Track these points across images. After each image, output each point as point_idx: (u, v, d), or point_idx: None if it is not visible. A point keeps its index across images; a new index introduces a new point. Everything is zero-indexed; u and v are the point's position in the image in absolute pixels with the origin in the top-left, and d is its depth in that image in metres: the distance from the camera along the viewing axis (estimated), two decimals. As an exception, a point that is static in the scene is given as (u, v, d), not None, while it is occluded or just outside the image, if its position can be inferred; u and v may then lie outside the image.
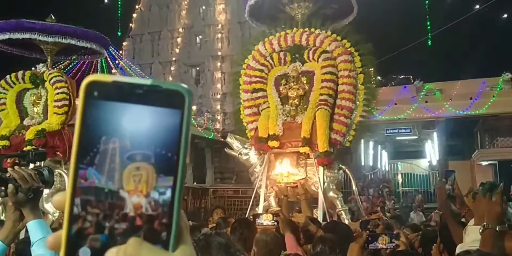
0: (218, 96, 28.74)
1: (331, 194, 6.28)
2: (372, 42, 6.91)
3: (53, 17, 6.50)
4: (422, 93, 21.08)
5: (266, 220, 3.12)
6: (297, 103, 6.62)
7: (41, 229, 2.02)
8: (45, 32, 6.20)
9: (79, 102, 0.48)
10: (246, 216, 5.31)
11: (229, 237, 2.33)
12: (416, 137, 25.73)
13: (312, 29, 6.80)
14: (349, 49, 6.63)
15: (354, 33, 6.89)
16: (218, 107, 28.53)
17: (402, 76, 25.12)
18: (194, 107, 25.28)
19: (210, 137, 24.75)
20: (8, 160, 6.01)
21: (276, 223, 3.25)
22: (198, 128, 23.78)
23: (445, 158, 21.06)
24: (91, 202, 0.48)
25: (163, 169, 0.48)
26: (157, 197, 0.48)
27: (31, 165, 2.41)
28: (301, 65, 6.77)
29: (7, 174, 2.01)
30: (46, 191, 6.04)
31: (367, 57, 6.75)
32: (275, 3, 7.18)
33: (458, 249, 2.38)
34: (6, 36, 6.23)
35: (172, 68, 29.83)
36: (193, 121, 23.56)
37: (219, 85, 28.89)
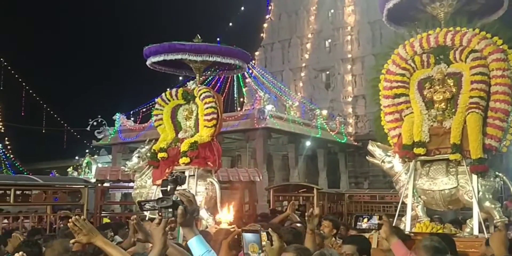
0: (349, 99, 28.31)
1: (487, 204, 5.78)
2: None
3: (199, 37, 6.97)
4: None
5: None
6: (444, 107, 6.23)
7: (203, 244, 2.27)
8: (194, 52, 6.70)
9: None
10: (394, 224, 5.13)
11: None
12: None
13: (458, 28, 6.36)
14: (501, 47, 6.07)
15: (506, 29, 6.30)
16: (350, 110, 28.10)
17: None
18: (325, 112, 25.13)
19: (343, 141, 24.43)
20: (167, 171, 6.57)
21: None
22: (331, 132, 23.61)
23: None
24: None
25: None
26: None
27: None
28: (446, 66, 6.36)
29: (177, 197, 2.19)
30: (199, 199, 6.52)
31: (523, 54, 6.12)
32: (415, 3, 6.85)
33: None
34: (161, 58, 6.86)
35: (302, 74, 30.18)
36: (325, 125, 23.48)
37: (349, 88, 28.46)
